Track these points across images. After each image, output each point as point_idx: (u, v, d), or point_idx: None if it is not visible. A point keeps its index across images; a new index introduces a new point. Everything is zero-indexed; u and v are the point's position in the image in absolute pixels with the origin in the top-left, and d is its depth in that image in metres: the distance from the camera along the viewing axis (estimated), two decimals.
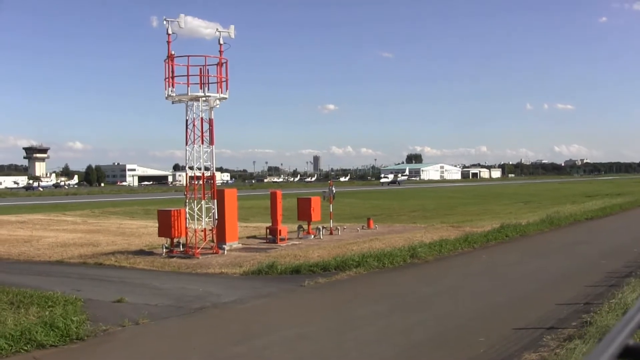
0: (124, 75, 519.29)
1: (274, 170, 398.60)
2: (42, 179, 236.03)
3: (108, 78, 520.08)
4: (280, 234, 31.25)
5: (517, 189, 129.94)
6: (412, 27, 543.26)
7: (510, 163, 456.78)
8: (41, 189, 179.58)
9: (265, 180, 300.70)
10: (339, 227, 36.15)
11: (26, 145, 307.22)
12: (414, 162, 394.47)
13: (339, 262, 23.29)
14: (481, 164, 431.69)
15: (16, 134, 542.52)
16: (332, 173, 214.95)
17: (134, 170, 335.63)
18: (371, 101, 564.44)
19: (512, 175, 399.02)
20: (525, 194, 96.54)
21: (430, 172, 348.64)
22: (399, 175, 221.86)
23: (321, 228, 33.80)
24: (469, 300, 18.05)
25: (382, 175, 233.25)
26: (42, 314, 15.18)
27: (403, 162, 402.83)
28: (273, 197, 32.70)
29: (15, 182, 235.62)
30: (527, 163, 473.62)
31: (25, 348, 12.91)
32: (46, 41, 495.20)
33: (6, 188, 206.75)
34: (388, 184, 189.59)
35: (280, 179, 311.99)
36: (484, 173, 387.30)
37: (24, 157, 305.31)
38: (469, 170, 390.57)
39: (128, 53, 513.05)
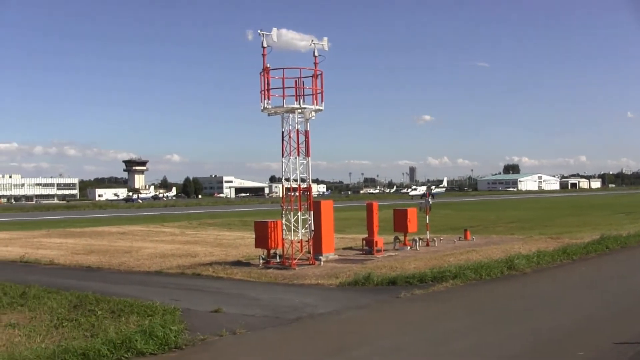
0: (220, 88, 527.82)
1: (370, 182, 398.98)
2: (141, 191, 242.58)
3: (205, 91, 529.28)
4: (376, 245, 31.28)
5: (618, 199, 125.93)
6: (508, 34, 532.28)
7: (611, 173, 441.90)
8: (140, 201, 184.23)
9: (361, 192, 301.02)
10: (435, 239, 35.95)
11: (126, 158, 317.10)
12: (511, 172, 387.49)
13: (435, 273, 23.14)
14: (580, 174, 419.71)
15: (116, 147, 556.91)
16: (429, 184, 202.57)
17: (231, 182, 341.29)
18: (467, 111, 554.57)
19: (613, 185, 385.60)
20: (627, 205, 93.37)
21: (527, 183, 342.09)
22: (433, 187, 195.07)
23: (417, 239, 33.70)
24: (567, 313, 17.64)
25: (412, 188, 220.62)
26: (141, 322, 15.67)
27: (500, 173, 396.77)
28: (369, 208, 32.76)
29: (115, 195, 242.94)
30: (629, 173, 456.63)
31: (126, 356, 13.29)
32: (147, 58, 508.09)
33: (107, 200, 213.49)
34: (420, 197, 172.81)
35: (377, 190, 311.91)
36: (584, 183, 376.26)
37: (124, 170, 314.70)
38: (567, 181, 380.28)
39: (225, 66, 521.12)
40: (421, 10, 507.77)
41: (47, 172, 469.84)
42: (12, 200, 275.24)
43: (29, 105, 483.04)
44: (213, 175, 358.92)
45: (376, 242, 31.45)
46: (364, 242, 32.44)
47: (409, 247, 33.27)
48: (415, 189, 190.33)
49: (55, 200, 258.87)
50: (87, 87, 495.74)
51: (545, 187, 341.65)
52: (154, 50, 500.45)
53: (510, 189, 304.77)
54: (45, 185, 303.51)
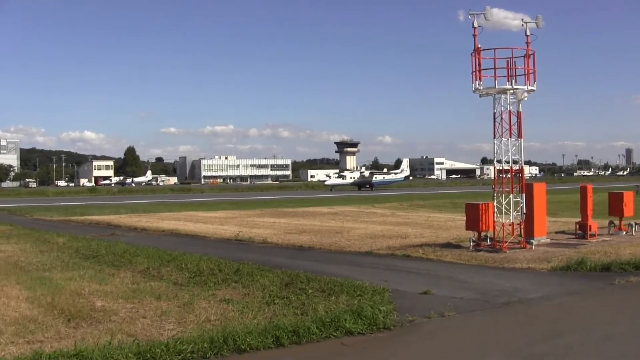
0: (433, 70, 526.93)
1: (584, 164, 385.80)
2: (352, 171, 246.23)
3: (417, 73, 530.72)
4: (590, 230, 30.17)
5: None
6: None
7: None
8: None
9: (575, 174, 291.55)
10: None
11: (338, 139, 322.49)
12: None
13: None
14: None
15: (329, 129, 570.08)
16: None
17: (442, 163, 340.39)
18: None
19: None
20: None
21: None
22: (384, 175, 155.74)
23: (634, 224, 32.09)
24: None
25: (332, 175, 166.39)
26: (350, 302, 16.02)
27: None
28: (583, 191, 31.60)
29: (327, 176, 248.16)
30: None
31: (335, 334, 13.63)
32: (362, 45, 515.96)
33: (318, 181, 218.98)
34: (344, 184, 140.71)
35: (591, 173, 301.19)
36: None
37: (336, 151, 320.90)
38: None
39: (436, 47, 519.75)
40: None
41: (261, 153, 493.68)
42: (229, 180, 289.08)
43: (245, 90, 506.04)
44: (424, 157, 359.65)
45: (590, 226, 30.30)
46: (577, 226, 31.35)
47: (624, 232, 31.74)
48: (344, 176, 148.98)
49: (269, 181, 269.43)
50: (300, 73, 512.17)
51: None
52: (368, 36, 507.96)
53: None
54: (259, 166, 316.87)
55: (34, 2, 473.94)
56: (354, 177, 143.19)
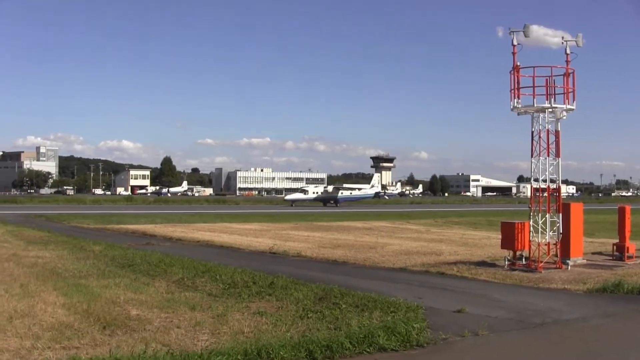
0: (469, 86, 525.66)
1: (622, 184, 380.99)
2: (387, 187, 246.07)
3: (455, 89, 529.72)
4: (627, 252, 29.86)
5: None
6: None
7: None
8: (387, 197, 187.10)
9: (613, 194, 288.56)
10: None
11: (374, 154, 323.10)
12: None
13: None
14: None
15: (365, 144, 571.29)
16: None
17: (478, 180, 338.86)
18: None
19: None
20: None
21: None
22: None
23: None
24: None
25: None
26: (384, 318, 16.03)
27: None
28: (621, 212, 31.34)
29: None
30: None
31: (368, 350, 13.65)
32: (396, 58, 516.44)
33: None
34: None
35: (629, 193, 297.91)
36: None
37: (371, 166, 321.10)
38: None
39: (475, 64, 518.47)
40: None
41: (297, 166, 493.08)
42: (264, 192, 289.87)
43: (282, 103, 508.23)
44: (460, 174, 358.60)
45: (627, 247, 30.00)
46: (614, 247, 31.03)
47: None
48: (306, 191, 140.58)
49: None
50: (337, 86, 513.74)
51: None
52: (408, 51, 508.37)
53: None
54: (295, 179, 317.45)
55: (81, 12, 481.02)
56: (317, 192, 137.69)
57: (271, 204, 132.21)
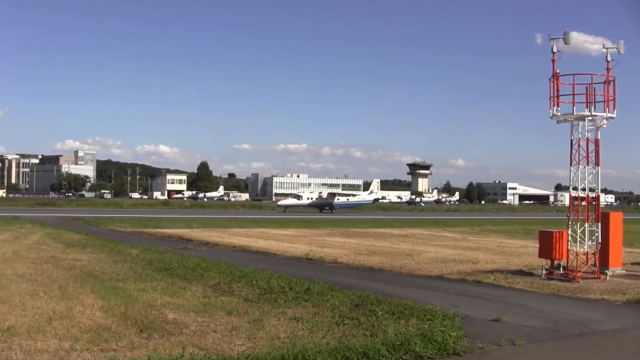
0: (508, 93, 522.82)
1: None
2: (424, 194, 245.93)
3: (492, 97, 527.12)
4: None
5: None
6: None
7: None
8: (423, 204, 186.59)
9: None
10: None
11: (410, 161, 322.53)
12: None
13: None
14: None
15: (401, 150, 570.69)
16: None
17: (515, 188, 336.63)
18: None
19: None
20: None
21: None
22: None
23: None
24: None
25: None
26: (421, 326, 15.98)
27: None
28: None
29: (398, 197, 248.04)
30: None
31: (404, 357, 13.60)
32: (441, 65, 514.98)
33: (389, 202, 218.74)
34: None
35: None
36: None
37: (408, 173, 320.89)
38: None
39: (513, 70, 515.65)
40: None
41: (333, 172, 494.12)
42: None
43: (319, 109, 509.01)
44: (497, 181, 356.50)
45: None
46: None
47: None
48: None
49: None
50: (373, 92, 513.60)
51: None
52: (445, 58, 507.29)
53: None
54: (331, 186, 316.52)
55: (123, 19, 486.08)
56: (311, 198, 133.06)
57: (307, 211, 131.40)
